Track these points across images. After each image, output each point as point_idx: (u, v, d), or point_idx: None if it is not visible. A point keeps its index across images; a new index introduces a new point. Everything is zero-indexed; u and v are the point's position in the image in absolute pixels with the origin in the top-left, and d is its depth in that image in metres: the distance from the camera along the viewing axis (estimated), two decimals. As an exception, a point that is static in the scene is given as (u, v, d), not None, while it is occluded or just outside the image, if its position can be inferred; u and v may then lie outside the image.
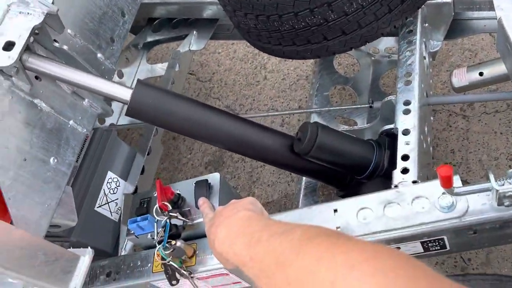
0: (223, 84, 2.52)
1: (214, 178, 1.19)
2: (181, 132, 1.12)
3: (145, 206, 1.21)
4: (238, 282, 1.14)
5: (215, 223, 0.86)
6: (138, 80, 1.02)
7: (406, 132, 1.11)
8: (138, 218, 1.14)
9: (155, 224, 1.12)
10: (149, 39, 2.01)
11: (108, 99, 1.07)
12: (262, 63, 2.48)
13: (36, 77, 0.90)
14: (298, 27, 1.27)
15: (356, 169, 1.20)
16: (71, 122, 0.98)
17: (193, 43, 1.90)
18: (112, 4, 1.08)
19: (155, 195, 1.21)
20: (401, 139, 1.11)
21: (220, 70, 2.59)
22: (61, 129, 0.95)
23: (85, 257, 0.84)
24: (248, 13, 1.30)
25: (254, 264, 0.65)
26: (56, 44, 0.92)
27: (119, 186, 1.45)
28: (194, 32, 1.92)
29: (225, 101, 2.45)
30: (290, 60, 2.26)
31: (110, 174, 1.42)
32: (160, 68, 2.01)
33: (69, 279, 0.83)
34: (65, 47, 0.93)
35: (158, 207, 1.11)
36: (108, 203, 1.40)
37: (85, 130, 1.01)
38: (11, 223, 0.78)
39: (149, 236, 1.16)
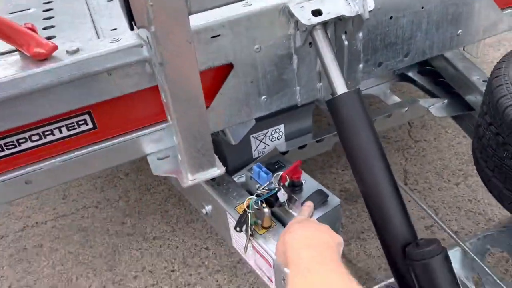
0: None
1: (333, 200, 1.28)
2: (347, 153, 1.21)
3: (276, 166, 1.40)
4: (270, 280, 1.22)
5: (303, 224, 0.98)
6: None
7: None
8: (264, 168, 1.32)
9: (268, 182, 1.27)
10: None
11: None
12: None
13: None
14: None
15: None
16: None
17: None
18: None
19: (287, 167, 1.38)
20: None
21: None
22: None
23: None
24: None
25: (304, 275, 0.79)
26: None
27: (279, 139, 1.67)
28: None
29: None
30: None
31: (281, 127, 1.64)
32: None
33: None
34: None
35: (281, 175, 1.25)
36: (261, 141, 1.64)
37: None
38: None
39: (256, 186, 1.32)
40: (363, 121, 1.09)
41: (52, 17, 1.33)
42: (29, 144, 1.10)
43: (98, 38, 1.18)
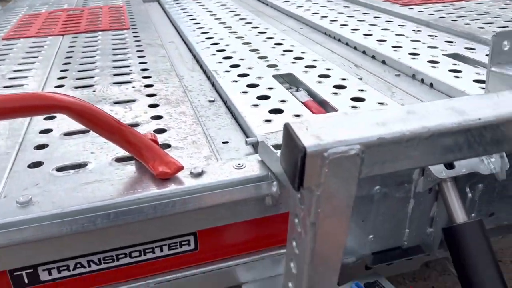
0: None
1: None
2: None
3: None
4: None
5: None
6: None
7: None
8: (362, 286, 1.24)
9: None
10: None
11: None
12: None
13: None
14: None
15: None
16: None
17: None
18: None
19: (386, 288, 1.23)
20: None
21: None
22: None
23: None
24: None
25: None
26: None
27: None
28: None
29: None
30: None
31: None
32: None
33: None
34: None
35: None
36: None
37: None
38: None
39: None
40: (486, 255, 0.98)
41: (161, 117, 1.30)
42: (127, 260, 1.03)
43: (212, 151, 1.14)
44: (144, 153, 0.97)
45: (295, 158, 0.71)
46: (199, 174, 0.98)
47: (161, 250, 1.04)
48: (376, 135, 0.72)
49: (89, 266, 0.99)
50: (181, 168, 0.97)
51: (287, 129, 0.75)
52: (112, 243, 0.96)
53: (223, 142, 1.20)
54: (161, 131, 1.21)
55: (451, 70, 1.62)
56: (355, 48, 2.03)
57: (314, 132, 0.72)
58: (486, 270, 0.97)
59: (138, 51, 1.99)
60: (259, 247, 1.13)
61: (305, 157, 0.69)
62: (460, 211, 1.04)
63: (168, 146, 1.13)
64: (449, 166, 1.07)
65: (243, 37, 2.15)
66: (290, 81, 1.63)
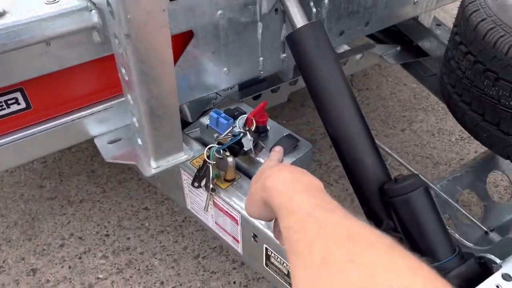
0: None
1: (305, 145, 1.12)
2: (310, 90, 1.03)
3: (235, 113, 1.18)
4: (236, 240, 1.11)
5: (282, 167, 0.82)
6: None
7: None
8: (222, 114, 1.12)
9: (230, 128, 1.08)
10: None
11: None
12: None
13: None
14: None
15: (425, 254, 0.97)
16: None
17: None
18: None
19: (249, 113, 1.14)
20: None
21: None
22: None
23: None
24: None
25: (310, 220, 0.61)
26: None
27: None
28: None
29: None
30: None
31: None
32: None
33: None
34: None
35: (246, 118, 1.07)
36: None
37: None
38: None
39: (214, 135, 1.13)
40: (327, 53, 0.99)
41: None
42: None
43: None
44: None
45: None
46: (0, 15, 0.82)
47: (-16, 113, 0.91)
48: None
49: None
50: (-28, 8, 0.79)
51: None
52: None
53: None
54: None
55: None
56: None
57: None
58: (328, 69, 0.98)
59: None
60: (105, 96, 1.04)
61: None
62: (302, 18, 1.01)
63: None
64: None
65: None
66: None
